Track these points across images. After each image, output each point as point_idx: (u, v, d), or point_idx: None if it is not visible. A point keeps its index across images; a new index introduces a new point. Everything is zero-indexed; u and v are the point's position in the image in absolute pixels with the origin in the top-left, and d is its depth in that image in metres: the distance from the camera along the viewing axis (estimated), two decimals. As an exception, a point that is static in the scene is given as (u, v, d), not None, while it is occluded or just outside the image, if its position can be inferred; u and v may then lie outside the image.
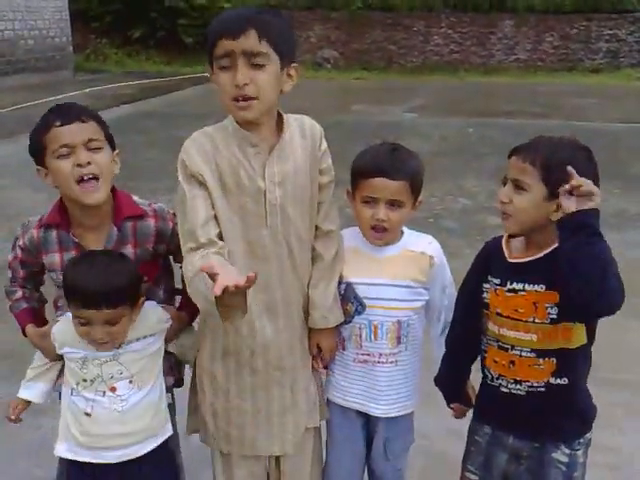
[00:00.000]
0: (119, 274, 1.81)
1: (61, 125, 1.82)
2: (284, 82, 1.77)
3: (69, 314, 1.88)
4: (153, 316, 1.93)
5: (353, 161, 1.99)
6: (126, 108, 11.55)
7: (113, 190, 1.94)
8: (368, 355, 2.00)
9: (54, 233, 1.94)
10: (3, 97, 11.93)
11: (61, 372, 1.98)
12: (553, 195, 1.68)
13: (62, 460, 1.98)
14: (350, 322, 2.00)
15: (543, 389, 1.79)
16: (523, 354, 1.79)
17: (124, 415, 1.88)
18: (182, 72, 16.97)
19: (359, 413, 2.08)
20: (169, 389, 2.05)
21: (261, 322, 1.86)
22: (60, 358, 1.95)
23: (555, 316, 1.73)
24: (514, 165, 1.75)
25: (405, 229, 2.04)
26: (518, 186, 1.74)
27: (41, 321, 2.06)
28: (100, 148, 1.87)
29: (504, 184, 1.80)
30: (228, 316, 1.58)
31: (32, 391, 2.01)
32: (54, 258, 1.94)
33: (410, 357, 2.04)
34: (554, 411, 1.80)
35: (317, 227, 1.94)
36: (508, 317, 1.80)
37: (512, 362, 1.82)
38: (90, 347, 1.85)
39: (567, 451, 1.83)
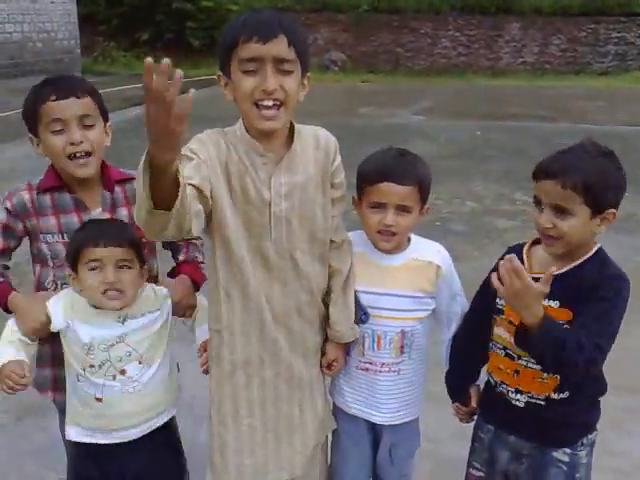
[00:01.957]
0: (126, 225, 1.91)
1: (57, 99, 1.85)
2: (300, 91, 1.73)
3: (66, 290, 1.90)
4: (151, 292, 1.95)
5: (359, 166, 1.96)
6: (135, 110, 11.56)
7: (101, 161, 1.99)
8: (370, 364, 1.99)
9: (48, 197, 1.94)
10: (11, 99, 11.95)
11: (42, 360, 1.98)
12: (597, 212, 1.68)
13: (70, 445, 1.98)
14: None
15: (543, 402, 1.79)
16: (529, 365, 1.78)
17: (138, 394, 1.89)
18: (189, 75, 16.92)
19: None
20: None
21: (270, 331, 1.82)
22: (35, 339, 1.89)
23: None
24: (551, 191, 1.70)
25: (413, 236, 2.02)
26: (560, 211, 1.70)
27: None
28: (93, 125, 1.90)
29: (537, 204, 1.75)
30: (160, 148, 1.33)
31: (13, 351, 1.86)
32: (49, 221, 1.93)
33: (414, 365, 2.02)
34: (553, 423, 1.80)
35: (331, 240, 1.92)
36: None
37: (516, 371, 1.81)
38: (96, 316, 1.85)
39: (569, 451, 1.82)
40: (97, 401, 1.86)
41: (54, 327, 1.86)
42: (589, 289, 1.68)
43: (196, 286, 2.08)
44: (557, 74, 17.84)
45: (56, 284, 1.97)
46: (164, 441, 2.01)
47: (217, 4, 18.39)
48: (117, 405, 1.87)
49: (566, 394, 1.77)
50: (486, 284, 1.92)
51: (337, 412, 2.11)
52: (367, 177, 1.91)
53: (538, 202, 1.75)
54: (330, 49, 18.98)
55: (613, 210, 1.70)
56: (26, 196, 1.93)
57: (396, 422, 2.04)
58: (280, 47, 1.61)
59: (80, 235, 1.87)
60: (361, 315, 1.96)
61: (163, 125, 1.27)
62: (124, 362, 1.86)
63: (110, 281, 1.82)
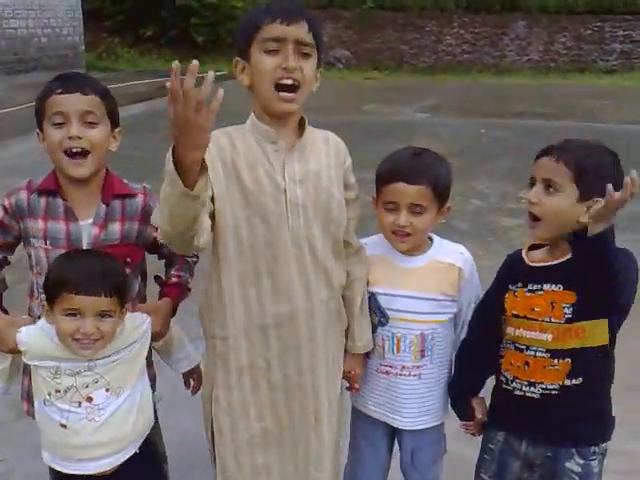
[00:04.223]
0: (114, 263, 1.77)
1: (61, 93, 1.82)
2: (314, 81, 1.77)
3: (40, 323, 1.78)
4: (129, 325, 1.81)
5: (378, 166, 1.96)
6: (139, 106, 11.56)
7: (106, 171, 1.94)
8: (390, 367, 1.96)
9: (43, 200, 1.89)
10: (16, 95, 11.97)
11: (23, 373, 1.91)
12: (584, 197, 1.67)
13: (50, 468, 1.89)
14: (374, 332, 1.96)
15: (557, 392, 1.77)
16: (538, 354, 1.77)
17: (103, 424, 1.77)
18: (194, 71, 16.98)
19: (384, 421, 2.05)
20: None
21: (278, 331, 1.77)
22: (15, 353, 1.82)
23: (570, 315, 1.72)
24: (545, 165, 1.73)
25: (435, 237, 2.00)
26: (549, 186, 1.71)
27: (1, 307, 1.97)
28: (96, 123, 1.85)
29: (531, 185, 1.77)
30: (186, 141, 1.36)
31: None
32: (38, 224, 1.88)
33: (435, 370, 1.97)
34: (568, 413, 1.78)
35: (348, 244, 1.90)
36: (525, 317, 1.79)
37: (527, 363, 1.80)
38: (67, 355, 1.72)
39: (581, 461, 1.80)
40: (62, 427, 1.77)
41: (27, 361, 1.79)
42: (591, 275, 1.66)
43: (174, 312, 2.02)
44: (562, 72, 17.80)
45: (35, 292, 1.92)
46: (140, 475, 1.87)
47: (221, 0, 18.40)
48: (82, 434, 1.76)
49: (579, 380, 1.75)
50: (492, 289, 1.93)
51: (356, 415, 2.10)
52: (382, 177, 1.91)
53: (532, 182, 1.76)
54: (335, 46, 18.96)
55: (600, 199, 1.64)
56: (23, 196, 1.90)
57: (417, 427, 2.00)
58: (301, 30, 1.67)
59: (60, 272, 1.71)
60: (380, 317, 1.94)
61: (193, 124, 1.33)
62: (90, 389, 1.75)
63: (87, 333, 1.68)
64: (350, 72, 17.73)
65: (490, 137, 9.51)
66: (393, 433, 2.08)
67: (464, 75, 17.46)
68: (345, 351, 1.96)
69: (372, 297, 1.95)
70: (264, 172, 1.73)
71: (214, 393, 1.85)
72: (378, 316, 1.94)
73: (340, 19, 19.16)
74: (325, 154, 1.83)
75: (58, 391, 1.75)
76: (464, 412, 1.99)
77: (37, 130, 1.89)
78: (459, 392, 2.01)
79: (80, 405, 1.76)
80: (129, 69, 17.35)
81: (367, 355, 2.00)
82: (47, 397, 1.76)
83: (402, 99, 13.10)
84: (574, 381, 1.76)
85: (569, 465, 1.80)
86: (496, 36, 18.77)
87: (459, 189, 6.77)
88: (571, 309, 1.72)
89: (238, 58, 1.74)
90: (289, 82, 1.67)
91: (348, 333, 1.94)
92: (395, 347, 1.94)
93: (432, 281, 1.92)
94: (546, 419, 1.80)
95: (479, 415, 1.96)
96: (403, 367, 1.95)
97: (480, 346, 1.92)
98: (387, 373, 1.97)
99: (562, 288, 1.73)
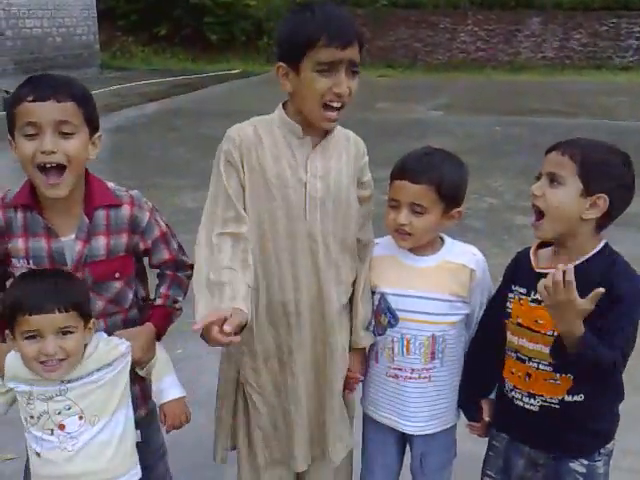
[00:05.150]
0: (69, 280, 1.69)
1: (33, 100, 1.62)
2: None
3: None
4: (103, 346, 1.72)
5: None
6: (153, 105, 11.62)
7: (87, 175, 1.78)
8: (399, 370, 1.94)
9: (20, 215, 1.75)
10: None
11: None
12: (587, 193, 1.65)
13: None
14: (383, 334, 1.95)
15: (557, 406, 1.74)
16: (540, 367, 1.74)
17: (77, 455, 1.67)
18: (207, 69, 17.05)
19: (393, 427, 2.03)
20: (139, 424, 1.83)
21: (297, 319, 1.84)
22: None
23: None
24: (551, 159, 1.71)
25: (447, 238, 1.98)
26: (553, 180, 1.69)
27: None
28: (72, 133, 1.66)
29: (537, 180, 1.75)
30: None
31: None
32: (17, 243, 1.75)
33: (446, 373, 1.95)
34: (568, 429, 1.76)
35: (358, 240, 1.94)
36: (528, 328, 1.75)
37: (528, 375, 1.77)
38: (38, 377, 1.64)
39: (585, 462, 1.77)
40: (37, 456, 1.69)
41: (5, 383, 1.72)
42: (598, 285, 1.60)
43: (158, 337, 1.90)
44: (577, 69, 17.66)
45: None
46: None
47: (235, -1, 18.45)
48: (54, 463, 1.67)
49: (581, 397, 1.72)
50: (500, 288, 1.91)
51: (366, 420, 2.09)
52: (391, 173, 1.91)
53: (538, 177, 1.75)
54: (348, 44, 18.92)
55: (604, 196, 1.65)
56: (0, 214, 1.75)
57: (426, 432, 1.99)
58: (354, 52, 1.72)
59: (13, 295, 1.64)
60: (390, 319, 1.92)
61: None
62: (63, 415, 1.66)
63: (49, 353, 1.59)
64: (363, 69, 17.47)
65: (504, 135, 9.46)
66: (404, 439, 2.06)
67: (478, 72, 17.38)
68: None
69: (382, 298, 1.94)
70: (287, 165, 1.78)
71: (242, 376, 1.93)
72: (388, 317, 1.92)
73: (354, 17, 19.08)
74: (346, 152, 1.87)
75: (32, 417, 1.68)
76: (471, 413, 1.98)
77: (8, 137, 1.70)
78: (468, 392, 1.99)
79: (53, 433, 1.67)
80: (143, 68, 17.43)
81: (376, 360, 1.99)
82: (25, 423, 1.70)
83: (416, 97, 13.07)
84: (575, 397, 1.73)
85: (573, 466, 1.78)
86: (510, 33, 18.66)
87: (473, 187, 6.69)
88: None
89: (283, 64, 1.74)
90: (338, 105, 1.73)
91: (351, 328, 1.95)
92: (405, 349, 1.92)
93: (443, 282, 1.90)
94: (545, 431, 1.78)
95: (486, 417, 1.95)
96: (412, 370, 1.93)
97: (488, 346, 1.90)
98: (396, 377, 1.95)
99: None
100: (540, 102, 12.23)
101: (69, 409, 1.66)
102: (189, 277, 1.95)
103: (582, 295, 1.53)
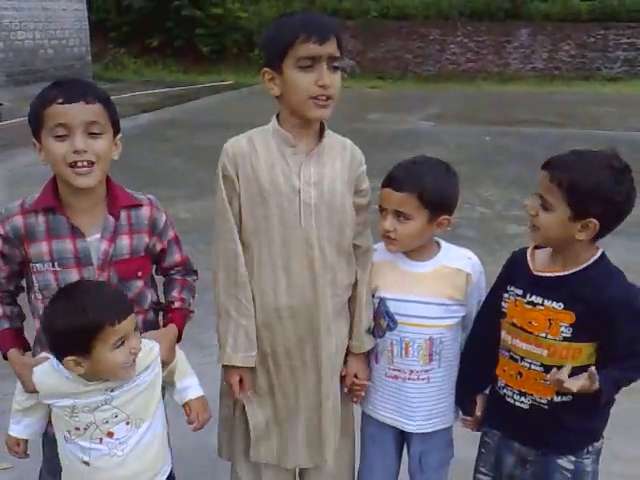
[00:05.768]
0: (117, 289, 1.76)
1: (63, 103, 1.69)
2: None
3: (52, 360, 1.70)
4: (140, 352, 1.75)
5: None
6: (146, 117, 11.62)
7: (107, 179, 1.85)
8: (398, 371, 1.99)
9: (41, 219, 1.78)
10: (23, 106, 12.01)
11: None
12: (577, 217, 1.68)
13: None
14: (383, 337, 1.99)
15: (546, 406, 1.79)
16: (532, 367, 1.79)
17: (126, 458, 1.74)
18: (199, 81, 17.07)
19: (393, 426, 2.06)
20: None
21: (292, 322, 1.88)
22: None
23: (569, 335, 1.73)
24: (542, 181, 1.74)
25: (443, 243, 2.02)
26: (544, 205, 1.73)
27: (22, 342, 1.90)
28: (100, 133, 1.74)
29: (534, 194, 1.79)
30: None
31: (21, 427, 1.85)
32: (40, 247, 1.77)
33: (443, 374, 2.00)
34: (556, 428, 1.80)
35: (357, 246, 1.98)
36: (521, 329, 1.80)
37: (520, 373, 1.82)
38: (82, 390, 1.67)
39: (573, 459, 1.82)
40: (84, 464, 1.73)
41: (42, 400, 1.75)
42: (594, 294, 1.69)
43: (178, 338, 1.97)
44: (566, 80, 17.78)
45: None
46: None
47: (226, 11, 18.50)
48: (105, 470, 1.73)
49: (569, 397, 1.76)
50: (495, 287, 1.95)
51: (365, 419, 2.12)
52: (382, 182, 1.95)
53: (536, 192, 1.78)
54: (339, 55, 18.98)
55: (594, 220, 1.67)
56: (19, 222, 1.78)
57: (426, 430, 2.03)
58: (333, 47, 1.77)
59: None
60: (389, 322, 1.96)
61: None
62: (110, 424, 1.70)
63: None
64: (355, 81, 17.73)
65: (495, 145, 9.52)
66: (402, 438, 2.10)
67: (468, 83, 17.48)
68: (347, 354, 2.01)
69: (381, 302, 1.98)
70: (281, 173, 1.82)
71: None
72: (387, 321, 1.97)
73: (344, 28, 19.15)
74: (341, 159, 1.90)
75: (78, 429, 1.71)
76: (466, 407, 2.03)
77: (33, 140, 1.77)
78: (463, 387, 2.03)
79: (101, 441, 1.71)
80: (135, 79, 17.42)
81: (376, 360, 2.03)
82: (67, 435, 1.73)
83: (407, 108, 13.12)
84: (564, 398, 1.77)
85: (561, 462, 1.82)
86: (500, 44, 18.78)
87: (464, 196, 6.71)
88: (570, 329, 1.72)
89: (267, 69, 1.81)
90: (324, 98, 1.78)
91: (351, 333, 1.99)
92: (403, 351, 1.96)
93: (440, 286, 1.94)
94: (534, 428, 1.82)
95: (479, 412, 1.99)
96: (411, 371, 1.97)
97: (482, 343, 1.94)
98: (396, 377, 2.00)
99: (562, 307, 1.73)
100: (530, 112, 12.32)
101: (116, 417, 1.71)
102: (195, 281, 2.06)
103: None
